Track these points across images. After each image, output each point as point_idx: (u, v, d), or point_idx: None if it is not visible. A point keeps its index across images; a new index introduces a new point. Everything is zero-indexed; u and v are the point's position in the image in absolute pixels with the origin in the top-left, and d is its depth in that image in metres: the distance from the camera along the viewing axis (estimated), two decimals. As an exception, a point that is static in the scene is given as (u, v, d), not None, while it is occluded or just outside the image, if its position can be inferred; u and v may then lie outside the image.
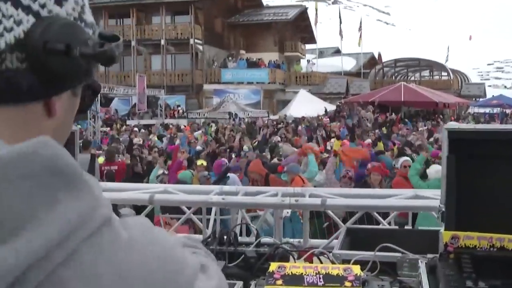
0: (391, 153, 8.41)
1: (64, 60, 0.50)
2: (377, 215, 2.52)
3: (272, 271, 1.38)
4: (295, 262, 1.71)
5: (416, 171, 5.51)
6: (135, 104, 21.19)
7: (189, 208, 2.76)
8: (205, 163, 7.35)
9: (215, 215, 2.78)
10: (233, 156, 8.47)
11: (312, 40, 34.27)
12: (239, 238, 1.95)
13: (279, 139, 11.38)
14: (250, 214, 3.33)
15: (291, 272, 1.37)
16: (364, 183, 5.65)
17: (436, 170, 5.17)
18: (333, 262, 1.63)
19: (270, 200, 2.49)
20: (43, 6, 0.50)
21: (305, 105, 22.22)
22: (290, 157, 6.94)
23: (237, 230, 2.20)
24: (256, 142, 11.01)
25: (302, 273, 1.37)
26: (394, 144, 8.96)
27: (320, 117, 18.63)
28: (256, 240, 1.90)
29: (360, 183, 5.85)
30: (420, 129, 14.18)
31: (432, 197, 2.32)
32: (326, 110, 21.22)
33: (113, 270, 0.46)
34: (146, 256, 0.48)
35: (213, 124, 17.37)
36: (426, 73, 35.97)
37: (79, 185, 0.46)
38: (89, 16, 0.56)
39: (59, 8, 0.52)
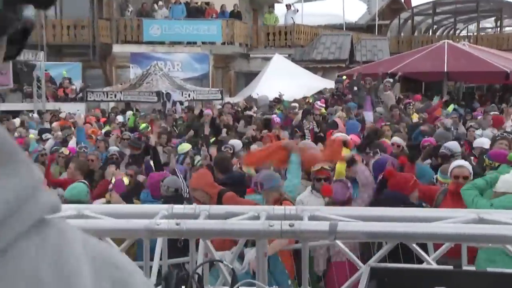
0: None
1: None
2: (417, 248, 2.65)
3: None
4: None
5: (475, 187, 5.77)
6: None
7: (120, 242, 2.80)
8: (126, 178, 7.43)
9: (163, 250, 2.83)
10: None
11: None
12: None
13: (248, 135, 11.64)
14: (221, 252, 3.40)
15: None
16: (384, 200, 5.87)
17: (505, 181, 5.43)
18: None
19: (251, 225, 2.58)
20: None
21: (282, 81, 22.45)
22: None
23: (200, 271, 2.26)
24: (201, 143, 11.13)
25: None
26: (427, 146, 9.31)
27: (308, 100, 18.93)
28: (232, 286, 1.98)
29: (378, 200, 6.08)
30: (479, 117, 14.60)
31: (505, 221, 2.48)
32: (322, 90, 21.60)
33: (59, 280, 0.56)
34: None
35: (132, 113, 17.29)
36: (488, 22, 36.14)
37: (16, 160, 0.58)
38: None
39: None
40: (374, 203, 5.98)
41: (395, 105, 14.91)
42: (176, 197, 6.78)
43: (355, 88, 17.88)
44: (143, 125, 13.46)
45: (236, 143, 10.61)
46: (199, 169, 7.42)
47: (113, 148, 10.43)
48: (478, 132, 11.48)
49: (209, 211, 2.79)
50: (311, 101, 18.33)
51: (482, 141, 9.50)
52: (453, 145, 8.51)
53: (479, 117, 14.49)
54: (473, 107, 19.26)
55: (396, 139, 9.99)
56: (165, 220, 2.61)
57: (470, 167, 6.59)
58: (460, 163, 6.67)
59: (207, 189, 6.51)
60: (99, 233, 2.75)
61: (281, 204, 6.08)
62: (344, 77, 20.17)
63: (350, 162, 6.57)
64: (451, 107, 16.57)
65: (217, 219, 2.69)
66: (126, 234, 2.72)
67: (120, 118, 16.59)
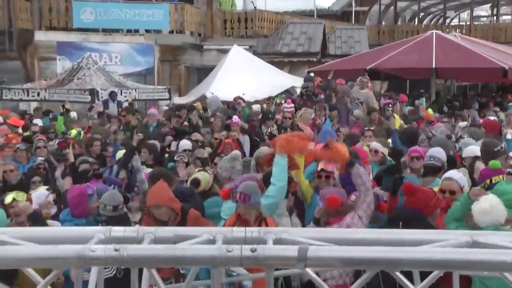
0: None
1: None
2: (401, 276, 2.70)
3: None
4: None
5: (453, 219, 5.88)
6: None
7: (46, 273, 2.77)
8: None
9: (98, 283, 2.82)
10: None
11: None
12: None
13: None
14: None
15: None
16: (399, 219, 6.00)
17: (481, 212, 5.47)
18: None
19: (205, 250, 2.59)
20: None
21: (242, 77, 22.54)
22: (246, 176, 7.20)
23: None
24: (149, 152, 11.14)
25: None
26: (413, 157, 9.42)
27: (271, 100, 19.05)
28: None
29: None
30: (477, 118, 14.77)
31: (502, 245, 2.54)
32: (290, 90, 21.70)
33: None
34: None
35: (59, 115, 17.11)
36: (483, 10, 37.04)
37: None
38: None
39: None
40: (388, 221, 6.06)
41: (374, 108, 15.06)
42: (116, 218, 6.76)
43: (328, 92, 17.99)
44: (74, 131, 13.32)
45: (184, 143, 10.76)
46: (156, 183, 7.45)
47: (40, 159, 10.38)
48: (466, 139, 11.35)
49: (155, 234, 2.79)
50: (278, 101, 18.43)
51: (473, 149, 9.55)
52: (440, 152, 8.59)
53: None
54: (467, 106, 19.53)
55: (376, 144, 10.07)
56: (101, 246, 2.60)
57: (462, 180, 6.70)
58: (449, 175, 6.79)
59: (173, 204, 6.54)
60: (19, 262, 2.72)
61: (260, 224, 6.17)
62: (312, 74, 20.22)
63: (349, 164, 6.69)
64: (430, 111, 16.79)
65: (165, 244, 2.69)
66: (52, 263, 2.69)
67: (38, 122, 16.37)
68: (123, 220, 6.88)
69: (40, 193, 7.89)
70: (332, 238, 2.81)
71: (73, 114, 17.38)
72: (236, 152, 9.54)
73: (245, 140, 13.06)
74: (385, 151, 9.91)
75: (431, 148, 9.21)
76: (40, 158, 10.49)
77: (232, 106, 17.60)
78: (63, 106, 17.95)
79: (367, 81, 17.64)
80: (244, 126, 13.92)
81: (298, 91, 20.18)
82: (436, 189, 7.02)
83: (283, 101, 17.67)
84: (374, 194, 6.74)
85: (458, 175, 6.89)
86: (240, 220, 6.45)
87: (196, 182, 8.44)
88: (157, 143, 11.90)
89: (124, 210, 7.23)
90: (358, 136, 11.40)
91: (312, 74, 20.08)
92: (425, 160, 8.60)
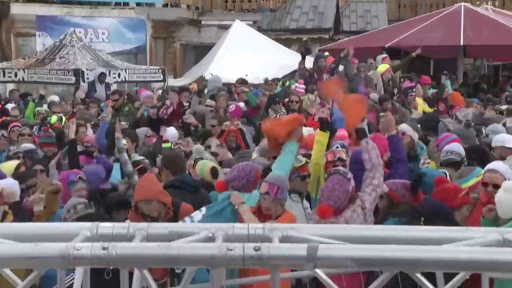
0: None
1: None
2: (422, 279, 2.70)
3: None
4: None
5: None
6: None
7: (26, 274, 2.79)
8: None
9: (84, 285, 2.84)
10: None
11: None
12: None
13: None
14: None
15: None
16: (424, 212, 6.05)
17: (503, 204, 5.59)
18: None
19: (204, 249, 2.60)
20: None
21: (245, 57, 22.51)
22: (245, 164, 7.27)
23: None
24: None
25: None
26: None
27: (276, 82, 19.01)
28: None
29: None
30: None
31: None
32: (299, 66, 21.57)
33: None
34: None
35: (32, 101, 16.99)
36: None
37: None
38: None
39: None
40: (413, 214, 6.08)
41: (386, 97, 15.01)
42: (95, 216, 6.77)
43: (342, 67, 17.90)
44: (54, 117, 13.29)
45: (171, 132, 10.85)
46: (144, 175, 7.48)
47: (27, 146, 10.45)
48: (494, 126, 11.29)
49: (147, 231, 2.80)
50: (287, 83, 18.39)
51: (504, 138, 9.49)
52: (457, 146, 8.62)
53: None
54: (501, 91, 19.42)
55: (404, 126, 9.99)
56: (87, 244, 2.60)
57: (508, 172, 6.67)
58: (493, 166, 6.77)
59: (164, 198, 6.55)
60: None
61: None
62: (327, 53, 20.10)
63: (361, 133, 6.72)
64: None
65: (159, 241, 2.70)
66: (33, 263, 2.70)
67: (12, 107, 16.25)
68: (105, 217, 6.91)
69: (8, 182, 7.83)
70: (345, 235, 2.82)
71: (54, 98, 17.15)
72: (198, 147, 9.78)
73: (249, 129, 13.04)
74: (415, 135, 9.85)
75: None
76: (22, 146, 10.51)
77: (228, 89, 17.45)
78: (37, 91, 17.84)
79: (373, 62, 17.62)
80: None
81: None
82: (474, 181, 7.03)
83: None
84: (405, 184, 6.73)
85: (503, 167, 6.87)
86: (260, 215, 6.45)
87: (215, 173, 8.48)
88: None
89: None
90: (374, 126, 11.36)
91: (326, 53, 19.93)
92: (442, 155, 8.64)
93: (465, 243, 2.69)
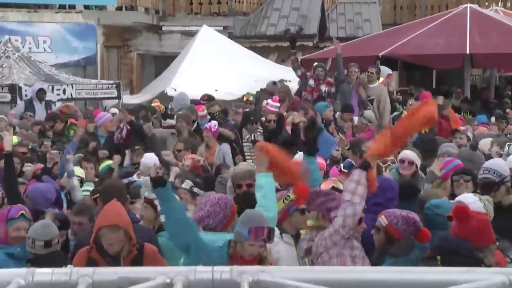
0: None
1: None
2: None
3: None
4: None
5: None
6: None
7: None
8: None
9: None
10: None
11: None
12: None
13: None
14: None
15: None
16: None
17: None
18: None
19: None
20: None
21: (214, 68, 22.51)
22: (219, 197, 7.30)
23: None
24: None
25: None
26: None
27: (247, 100, 19.03)
28: None
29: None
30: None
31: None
32: (274, 82, 21.71)
33: None
34: None
35: None
36: None
37: None
38: None
39: None
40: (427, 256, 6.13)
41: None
42: (48, 257, 6.77)
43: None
44: None
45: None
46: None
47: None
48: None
49: (93, 278, 2.74)
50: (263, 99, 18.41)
51: None
52: (499, 164, 8.68)
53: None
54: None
55: (409, 153, 10.05)
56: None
57: (476, 205, 6.82)
58: (462, 198, 6.94)
59: (132, 231, 6.52)
60: None
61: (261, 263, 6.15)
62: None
63: (366, 165, 6.83)
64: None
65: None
66: None
67: None
68: (57, 260, 6.81)
69: None
70: (326, 279, 2.79)
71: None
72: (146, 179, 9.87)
73: (226, 150, 13.04)
74: (419, 162, 9.92)
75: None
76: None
77: (223, 110, 17.34)
78: None
79: (375, 72, 17.64)
80: (225, 134, 13.94)
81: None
82: None
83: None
84: (408, 218, 6.76)
85: (472, 199, 7.00)
86: (236, 259, 6.24)
87: None
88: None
89: (59, 246, 7.22)
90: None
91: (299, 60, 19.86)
92: (479, 173, 8.68)
93: (465, 287, 2.70)
